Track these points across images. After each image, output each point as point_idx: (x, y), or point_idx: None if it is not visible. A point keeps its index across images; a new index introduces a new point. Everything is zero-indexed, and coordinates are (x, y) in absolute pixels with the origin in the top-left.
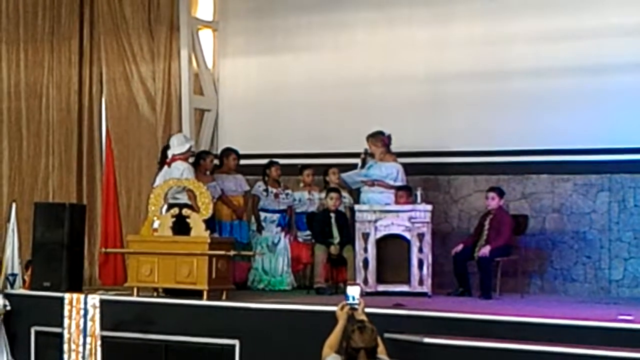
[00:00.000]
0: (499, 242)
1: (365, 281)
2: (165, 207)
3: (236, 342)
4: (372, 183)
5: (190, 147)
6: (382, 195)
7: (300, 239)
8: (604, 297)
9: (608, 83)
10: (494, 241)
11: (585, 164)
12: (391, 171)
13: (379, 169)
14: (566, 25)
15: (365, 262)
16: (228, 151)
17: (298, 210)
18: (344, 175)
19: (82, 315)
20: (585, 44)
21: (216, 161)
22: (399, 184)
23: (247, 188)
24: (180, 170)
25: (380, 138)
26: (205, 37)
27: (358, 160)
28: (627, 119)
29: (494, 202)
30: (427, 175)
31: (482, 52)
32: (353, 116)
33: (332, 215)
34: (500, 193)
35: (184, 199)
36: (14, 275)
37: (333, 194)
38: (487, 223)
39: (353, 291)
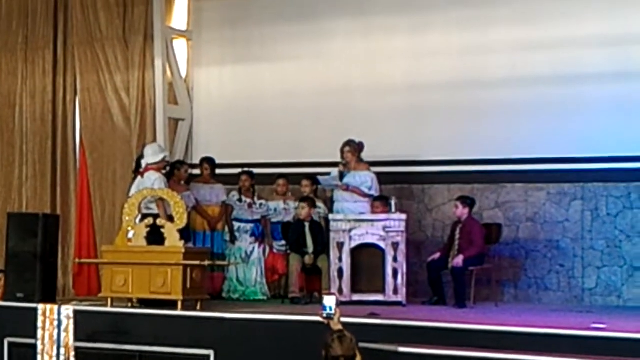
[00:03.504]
0: (472, 251)
1: (340, 290)
2: (139, 217)
3: (211, 353)
4: (346, 188)
5: (165, 158)
6: (357, 204)
7: (275, 249)
8: (577, 305)
9: (582, 93)
10: (467, 250)
11: (559, 173)
12: (365, 179)
13: (353, 177)
14: (541, 35)
15: (340, 272)
16: (202, 160)
17: (274, 220)
18: (320, 178)
19: (55, 326)
20: (560, 54)
21: (195, 170)
22: (372, 192)
23: (225, 198)
24: (152, 181)
25: (355, 146)
26: (180, 46)
27: (333, 170)
28: (600, 129)
29: (458, 210)
30: (401, 184)
31: (458, 62)
32: (329, 125)
33: (306, 224)
34: (467, 202)
35: (156, 209)
36: None
37: (303, 204)
38: (457, 232)
39: (329, 301)
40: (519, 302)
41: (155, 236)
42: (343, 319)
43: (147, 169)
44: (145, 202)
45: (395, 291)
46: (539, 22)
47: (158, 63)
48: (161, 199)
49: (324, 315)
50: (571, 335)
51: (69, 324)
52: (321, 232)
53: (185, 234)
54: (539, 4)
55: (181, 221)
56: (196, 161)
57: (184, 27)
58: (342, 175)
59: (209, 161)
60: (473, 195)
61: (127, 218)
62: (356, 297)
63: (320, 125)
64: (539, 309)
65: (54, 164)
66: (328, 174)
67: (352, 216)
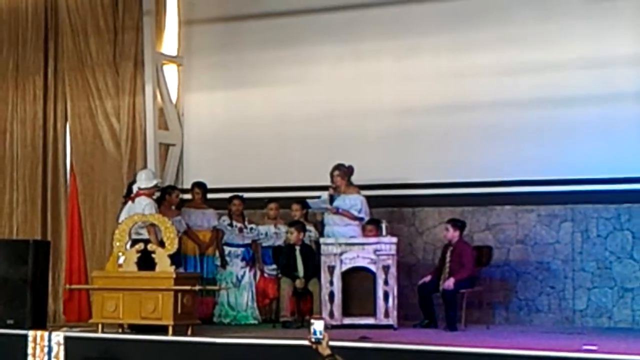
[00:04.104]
0: (462, 274)
1: (331, 314)
2: (130, 242)
3: None
4: (336, 211)
5: (157, 184)
6: (347, 228)
7: (266, 274)
8: (568, 327)
9: (570, 115)
10: (458, 273)
11: (549, 194)
12: (355, 202)
13: (342, 200)
14: (529, 58)
15: (331, 295)
16: (193, 185)
17: (265, 244)
18: (310, 201)
19: (46, 352)
20: (548, 77)
21: (186, 195)
22: (362, 215)
23: (216, 223)
24: (142, 206)
25: (344, 170)
26: (170, 72)
27: (323, 193)
28: (589, 151)
29: (449, 233)
30: (392, 207)
31: (446, 85)
32: (319, 150)
33: (297, 248)
34: (457, 225)
35: (147, 234)
36: None
37: (292, 228)
38: (448, 255)
39: (317, 326)
40: (510, 324)
41: (146, 261)
42: (335, 343)
43: (138, 194)
44: (135, 228)
45: (387, 314)
46: (527, 45)
47: (148, 88)
48: (152, 225)
49: (313, 339)
50: (562, 357)
51: (59, 351)
52: (312, 255)
53: (176, 259)
54: (527, 27)
55: (172, 246)
56: (187, 186)
57: (174, 53)
58: (332, 199)
59: (200, 186)
60: (463, 217)
61: (117, 243)
62: (347, 321)
63: (310, 149)
64: (530, 331)
65: (44, 190)
66: (318, 197)
67: (343, 240)
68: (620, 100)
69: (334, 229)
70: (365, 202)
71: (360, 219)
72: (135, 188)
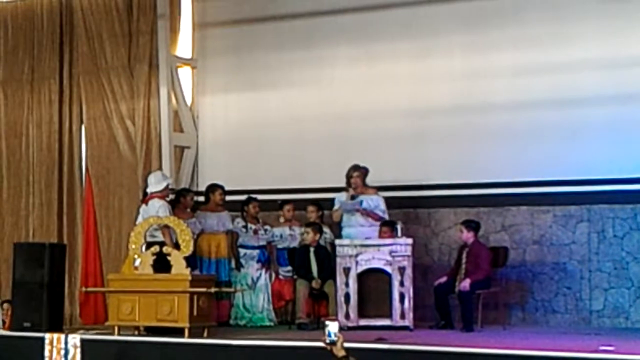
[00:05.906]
0: (478, 275)
1: (347, 316)
2: (145, 245)
3: None
4: (365, 211)
5: (168, 185)
6: (372, 228)
7: (281, 275)
8: (585, 327)
9: (585, 115)
10: (474, 274)
11: (565, 195)
12: (378, 203)
13: (366, 201)
14: (544, 59)
15: (347, 297)
16: (213, 187)
17: (280, 246)
18: (342, 202)
19: (62, 355)
20: (562, 78)
21: (201, 198)
22: (385, 216)
23: (230, 226)
24: (156, 208)
25: (362, 171)
26: (185, 74)
27: (339, 194)
28: (604, 151)
29: (463, 234)
30: (407, 208)
31: (462, 86)
32: (334, 151)
33: (311, 249)
34: (471, 226)
35: (161, 236)
36: None
37: (308, 229)
38: (464, 256)
39: (332, 327)
40: (527, 325)
41: (161, 264)
42: (351, 344)
43: (151, 197)
44: (150, 230)
45: (403, 316)
46: (539, 46)
47: (163, 91)
48: (166, 227)
49: (327, 341)
50: (579, 357)
51: (76, 353)
52: (327, 257)
53: (192, 261)
54: (541, 28)
55: (187, 249)
56: (202, 188)
57: (188, 55)
58: (353, 200)
59: (222, 188)
60: (479, 218)
61: (133, 246)
62: (363, 322)
63: (325, 151)
64: (547, 331)
65: (60, 193)
66: (332, 199)
67: (358, 241)
68: (636, 100)
69: (349, 230)
70: (384, 202)
71: (382, 220)
72: (148, 191)
